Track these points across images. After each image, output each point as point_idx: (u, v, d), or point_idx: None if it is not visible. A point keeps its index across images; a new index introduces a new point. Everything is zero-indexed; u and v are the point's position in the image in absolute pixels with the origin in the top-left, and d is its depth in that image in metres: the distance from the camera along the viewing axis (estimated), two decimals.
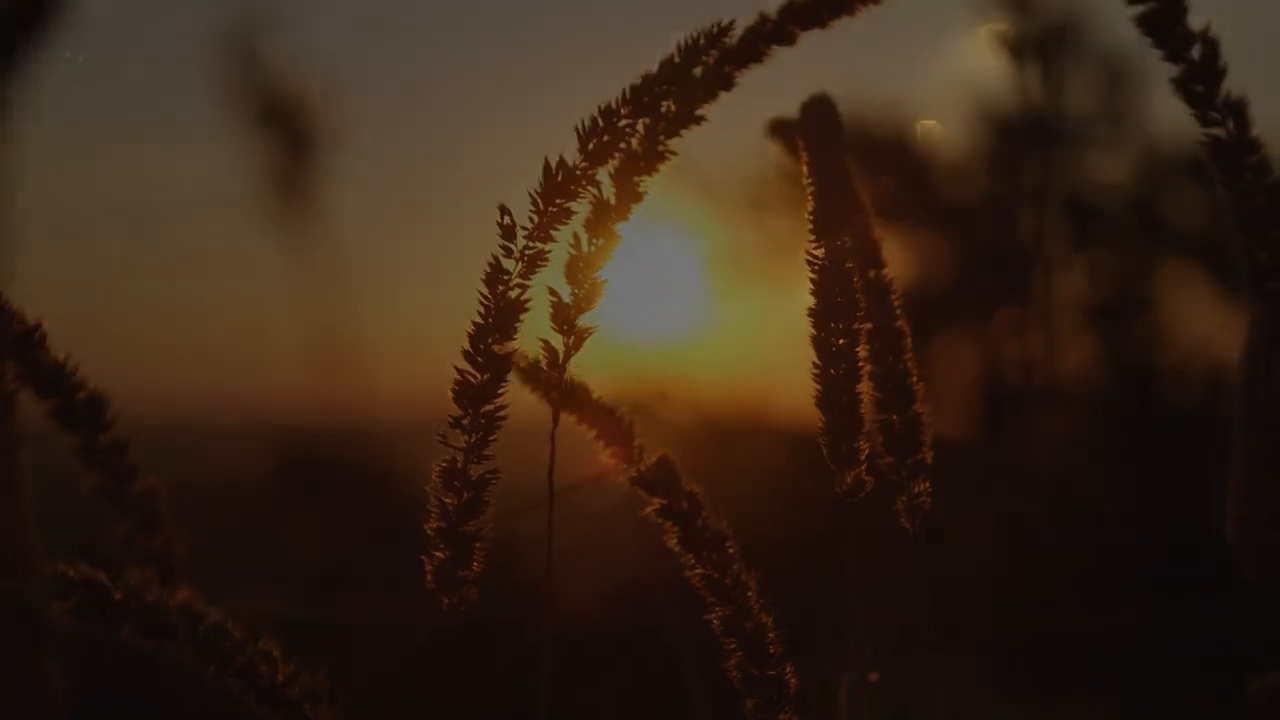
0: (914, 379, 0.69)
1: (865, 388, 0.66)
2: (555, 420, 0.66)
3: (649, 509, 0.65)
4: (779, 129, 0.82)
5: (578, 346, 0.65)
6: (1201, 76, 0.65)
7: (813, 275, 0.66)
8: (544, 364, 0.66)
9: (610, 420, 0.78)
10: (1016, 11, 1.81)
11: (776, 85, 0.76)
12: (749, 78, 0.67)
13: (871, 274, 0.72)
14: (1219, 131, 0.65)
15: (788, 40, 0.66)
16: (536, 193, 0.64)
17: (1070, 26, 1.83)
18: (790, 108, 0.80)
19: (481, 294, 0.64)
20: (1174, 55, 0.65)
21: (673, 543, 0.65)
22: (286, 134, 1.76)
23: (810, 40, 0.67)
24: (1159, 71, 0.66)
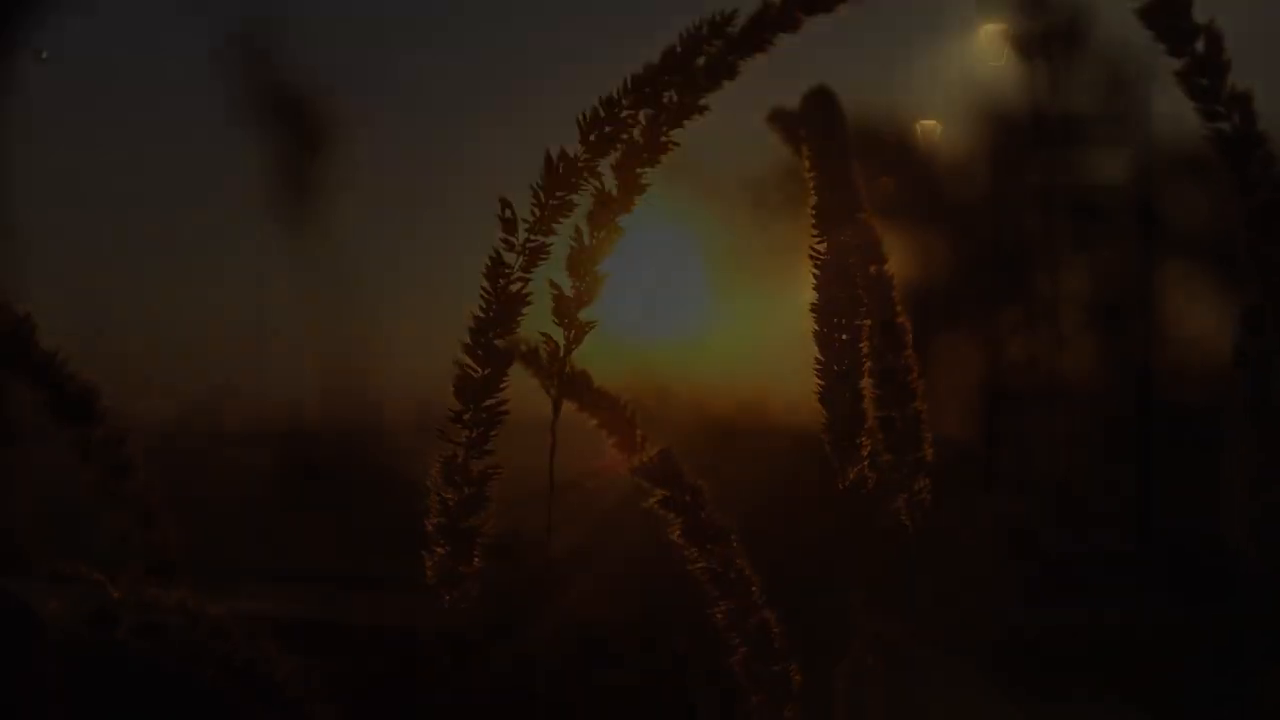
0: (915, 376, 0.69)
1: (866, 384, 0.66)
2: (556, 413, 0.66)
3: (651, 501, 0.64)
4: (779, 118, 0.82)
5: (579, 340, 0.65)
6: (1205, 70, 0.64)
7: (815, 270, 0.65)
8: (545, 357, 0.65)
9: (612, 409, 0.78)
10: (1020, 9, 1.80)
11: (778, 84, 0.76)
12: (752, 76, 0.66)
13: (872, 269, 0.72)
14: (1223, 125, 0.65)
15: (792, 26, 0.65)
16: (538, 185, 0.63)
17: (1074, 24, 1.83)
18: (792, 106, 0.80)
19: (483, 287, 0.63)
20: (1177, 49, 0.65)
21: (675, 535, 0.65)
22: (292, 133, 1.75)
23: (812, 39, 0.66)
24: (1164, 69, 0.66)
